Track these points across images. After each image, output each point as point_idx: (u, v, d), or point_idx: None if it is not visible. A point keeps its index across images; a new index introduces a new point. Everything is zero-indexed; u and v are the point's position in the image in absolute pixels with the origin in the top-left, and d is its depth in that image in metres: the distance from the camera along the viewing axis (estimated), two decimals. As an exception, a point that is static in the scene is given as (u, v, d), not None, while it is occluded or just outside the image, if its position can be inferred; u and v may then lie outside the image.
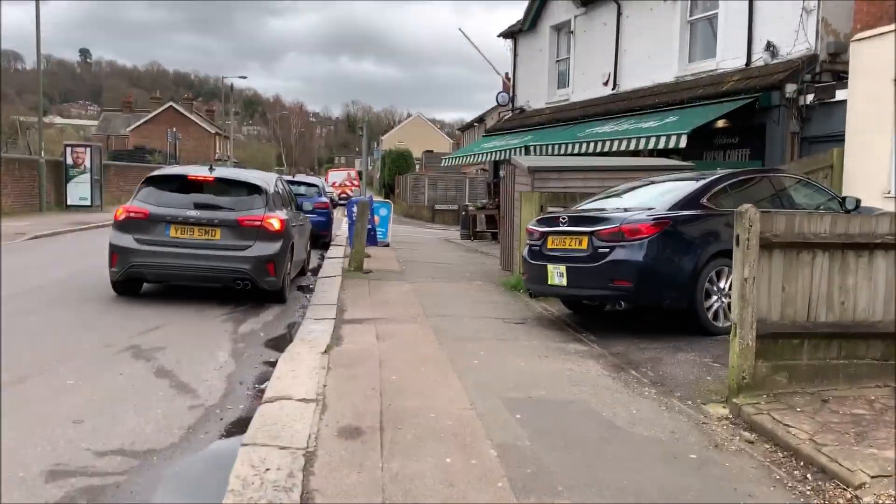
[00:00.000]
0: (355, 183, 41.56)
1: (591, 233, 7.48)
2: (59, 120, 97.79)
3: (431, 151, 61.28)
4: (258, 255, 8.74)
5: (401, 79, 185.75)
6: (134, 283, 9.04)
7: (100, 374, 5.60)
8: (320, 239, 17.08)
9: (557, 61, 20.77)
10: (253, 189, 9.19)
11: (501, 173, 15.62)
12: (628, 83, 17.23)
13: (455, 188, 38.21)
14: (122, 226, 8.77)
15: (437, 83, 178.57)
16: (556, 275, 7.74)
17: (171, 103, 79.89)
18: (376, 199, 19.31)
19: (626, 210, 7.77)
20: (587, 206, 8.54)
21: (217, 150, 78.67)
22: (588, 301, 8.45)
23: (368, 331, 7.42)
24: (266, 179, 9.64)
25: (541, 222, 8.29)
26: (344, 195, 37.11)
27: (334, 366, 5.82)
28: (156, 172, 9.40)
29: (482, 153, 20.43)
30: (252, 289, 8.84)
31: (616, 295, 7.36)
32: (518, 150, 17.91)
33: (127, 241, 8.65)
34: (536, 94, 21.61)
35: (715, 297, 7.50)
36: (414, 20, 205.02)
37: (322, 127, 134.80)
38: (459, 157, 22.52)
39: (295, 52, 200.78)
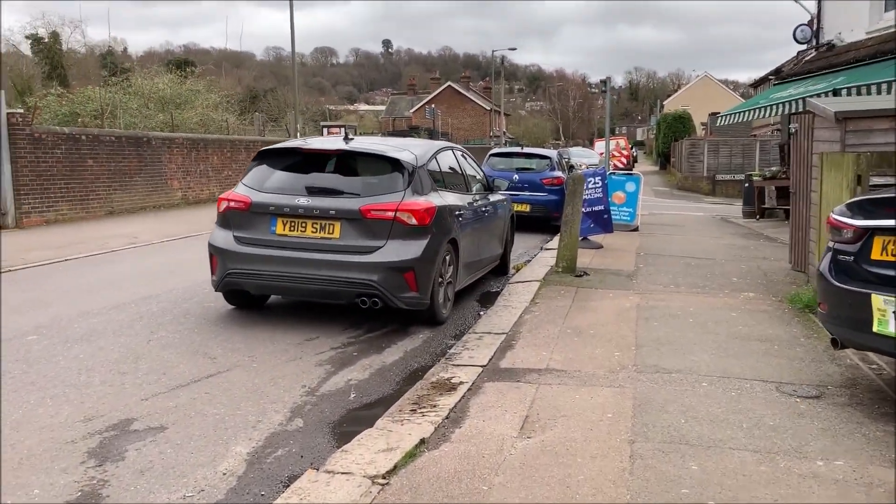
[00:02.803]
0: (624, 153, 37.39)
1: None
2: (362, 107, 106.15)
3: (717, 114, 54.05)
4: (390, 261, 5.97)
5: (683, 42, 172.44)
6: (246, 293, 6.79)
7: (-9, 494, 3.22)
8: (551, 221, 13.98)
9: (885, -28, 15.08)
10: (390, 165, 6.41)
11: (792, 128, 11.13)
12: None
13: (742, 154, 32.26)
14: (223, 219, 6.51)
15: (723, 44, 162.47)
16: (893, 317, 3.84)
17: (448, 83, 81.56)
18: (615, 170, 15.62)
19: None
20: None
21: (493, 127, 78.75)
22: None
23: (518, 402, 4.25)
24: (415, 150, 6.78)
25: (856, 209, 4.35)
26: (612, 167, 33.35)
27: (363, 532, 2.80)
28: (270, 147, 7.00)
29: (770, 105, 15.57)
30: (385, 308, 6.12)
31: None
32: (823, 96, 12.99)
33: (226, 239, 6.38)
34: (852, 22, 16.02)
35: None
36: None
37: (603, 98, 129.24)
38: (739, 112, 17.67)
39: (571, 24, 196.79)
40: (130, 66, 34.78)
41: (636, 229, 13.43)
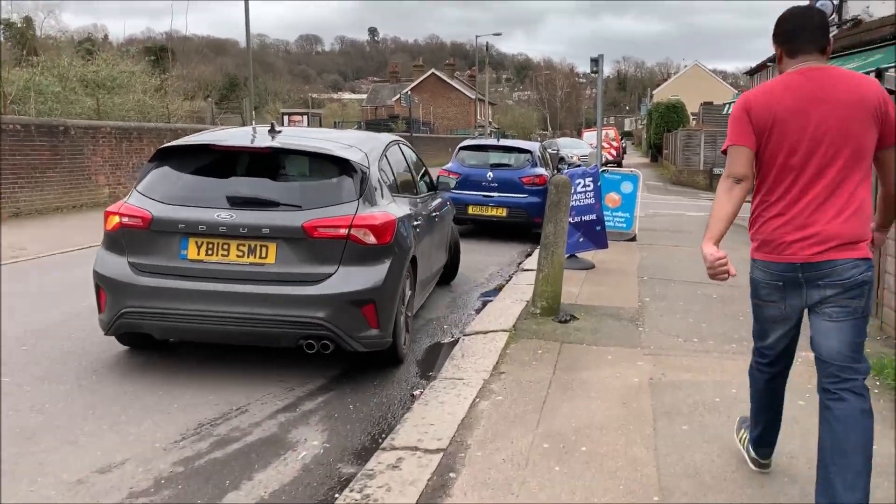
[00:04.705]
0: (614, 144, 35.08)
1: None
2: (346, 95, 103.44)
3: (710, 103, 51.79)
4: (344, 293, 4.47)
5: (666, 32, 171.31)
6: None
7: None
8: (532, 228, 11.65)
9: (926, -66, 12.79)
10: (336, 167, 4.72)
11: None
12: None
13: (741, 146, 29.95)
14: (111, 241, 4.68)
15: (706, 34, 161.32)
16: None
17: (432, 71, 79.14)
18: (610, 168, 13.27)
19: None
20: None
21: (478, 116, 76.42)
22: None
23: None
24: (363, 146, 5.09)
25: None
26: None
27: None
28: (174, 142, 5.02)
29: (791, 91, 13.29)
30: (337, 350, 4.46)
31: None
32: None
33: (118, 268, 4.60)
34: (883, -6, 13.78)
35: None
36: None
37: (591, 87, 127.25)
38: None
39: (555, 14, 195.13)
40: (109, 51, 32.23)
41: (633, 238, 11.12)
